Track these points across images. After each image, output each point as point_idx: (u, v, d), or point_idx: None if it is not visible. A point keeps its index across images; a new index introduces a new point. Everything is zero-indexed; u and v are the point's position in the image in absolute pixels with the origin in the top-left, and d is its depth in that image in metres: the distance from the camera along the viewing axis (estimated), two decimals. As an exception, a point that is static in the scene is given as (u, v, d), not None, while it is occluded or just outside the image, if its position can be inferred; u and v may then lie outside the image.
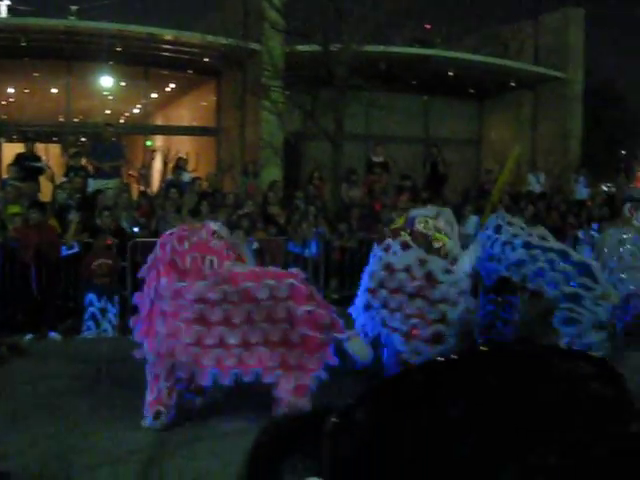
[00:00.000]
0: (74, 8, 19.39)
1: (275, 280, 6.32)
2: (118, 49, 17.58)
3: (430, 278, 7.30)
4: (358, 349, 6.40)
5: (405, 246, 7.60)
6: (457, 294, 7.35)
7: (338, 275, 11.78)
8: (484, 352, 0.89)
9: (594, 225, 14.81)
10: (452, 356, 0.88)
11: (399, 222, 8.24)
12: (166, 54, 18.67)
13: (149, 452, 5.94)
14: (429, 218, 7.92)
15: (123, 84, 21.17)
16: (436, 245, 7.74)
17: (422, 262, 7.40)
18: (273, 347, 6.24)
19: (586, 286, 8.09)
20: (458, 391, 0.81)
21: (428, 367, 0.90)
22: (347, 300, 10.01)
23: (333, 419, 0.88)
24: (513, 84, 22.36)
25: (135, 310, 6.76)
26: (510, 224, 8.90)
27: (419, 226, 7.84)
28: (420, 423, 0.79)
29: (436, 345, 7.21)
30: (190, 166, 15.31)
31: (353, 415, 0.87)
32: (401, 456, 0.76)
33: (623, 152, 26.13)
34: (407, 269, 7.39)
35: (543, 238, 8.65)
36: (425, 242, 7.76)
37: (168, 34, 17.70)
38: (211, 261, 6.47)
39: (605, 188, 21.11)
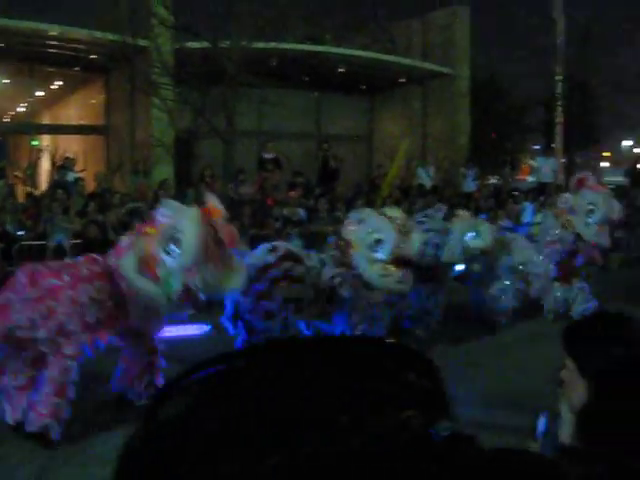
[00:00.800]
0: (-48, 2, 18.62)
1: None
2: (0, 45, 16.99)
3: None
4: None
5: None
6: None
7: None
8: (290, 343, 0.91)
9: (482, 216, 15.27)
10: (254, 345, 0.89)
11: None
12: (52, 50, 18.16)
13: (40, 461, 5.81)
14: (353, 223, 7.96)
15: (7, 81, 20.48)
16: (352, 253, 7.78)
17: None
18: None
19: None
20: (249, 383, 0.83)
21: (227, 356, 0.91)
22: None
23: (148, 402, 0.87)
24: (403, 80, 22.79)
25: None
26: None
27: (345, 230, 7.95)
28: (213, 411, 0.81)
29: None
30: (79, 166, 14.96)
31: (166, 398, 0.87)
32: (199, 443, 0.77)
33: (509, 145, 26.93)
34: None
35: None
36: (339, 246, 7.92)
37: (53, 30, 17.17)
38: None
39: (493, 180, 21.78)
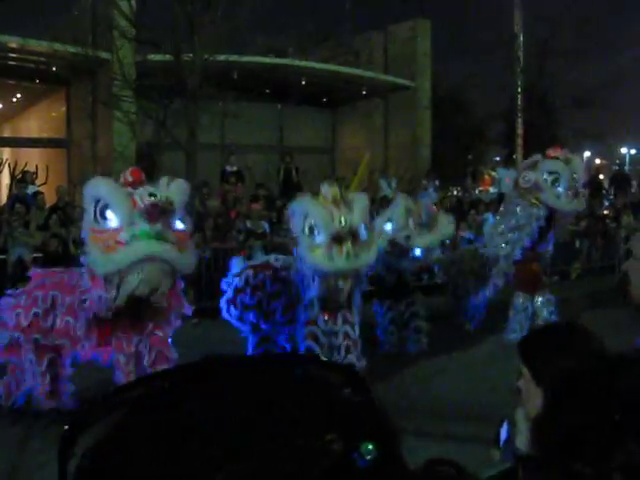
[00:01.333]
0: None
1: None
2: (-42, 57, 16.80)
3: None
4: None
5: None
6: None
7: (195, 286, 11.67)
8: (218, 362, 0.90)
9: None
10: (185, 365, 0.88)
11: None
12: (12, 63, 17.94)
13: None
14: (290, 216, 7.93)
15: (-34, 94, 20.24)
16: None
17: None
18: None
19: None
20: (180, 402, 0.82)
21: (167, 374, 0.91)
22: (205, 311, 9.99)
23: (66, 427, 0.85)
24: (365, 93, 22.88)
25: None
26: None
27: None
28: (146, 430, 0.80)
29: None
30: (40, 179, 14.79)
31: (88, 420, 0.85)
32: (129, 469, 0.76)
33: (470, 157, 27.21)
34: None
35: None
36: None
37: (13, 42, 16.99)
38: None
39: (455, 192, 21.95)
